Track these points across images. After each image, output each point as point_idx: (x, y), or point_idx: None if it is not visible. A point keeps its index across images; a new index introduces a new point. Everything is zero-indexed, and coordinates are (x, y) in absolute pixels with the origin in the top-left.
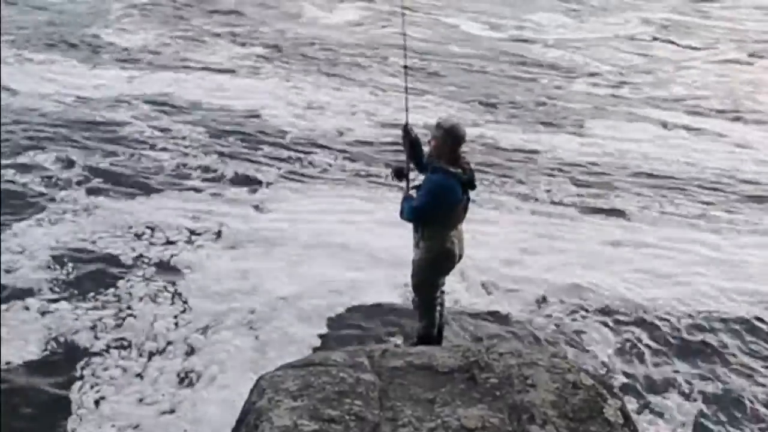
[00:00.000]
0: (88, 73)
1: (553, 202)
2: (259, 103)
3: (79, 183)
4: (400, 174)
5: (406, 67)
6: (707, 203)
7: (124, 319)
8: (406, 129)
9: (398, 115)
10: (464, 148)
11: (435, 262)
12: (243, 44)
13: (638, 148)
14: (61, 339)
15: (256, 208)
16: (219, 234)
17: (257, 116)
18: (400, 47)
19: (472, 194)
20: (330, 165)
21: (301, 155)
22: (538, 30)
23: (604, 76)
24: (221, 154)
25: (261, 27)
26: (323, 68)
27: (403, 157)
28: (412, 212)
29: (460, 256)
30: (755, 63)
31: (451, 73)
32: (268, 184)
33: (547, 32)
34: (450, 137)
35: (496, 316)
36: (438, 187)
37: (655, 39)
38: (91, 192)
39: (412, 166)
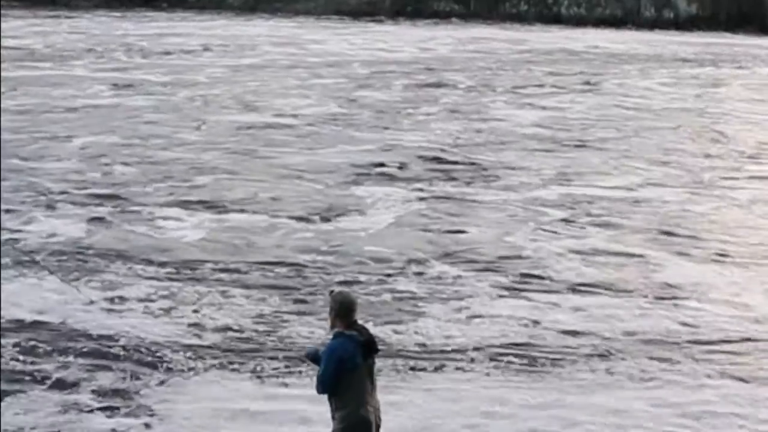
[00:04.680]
0: None
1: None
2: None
3: None
4: (314, 358)
5: None
6: None
7: None
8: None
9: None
10: None
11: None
12: None
13: None
14: None
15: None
16: None
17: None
18: None
19: None
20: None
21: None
22: None
23: None
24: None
25: None
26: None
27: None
28: (317, 381)
29: (378, 426)
30: None
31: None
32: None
33: None
34: (336, 304)
35: None
36: (331, 350)
37: None
38: None
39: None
